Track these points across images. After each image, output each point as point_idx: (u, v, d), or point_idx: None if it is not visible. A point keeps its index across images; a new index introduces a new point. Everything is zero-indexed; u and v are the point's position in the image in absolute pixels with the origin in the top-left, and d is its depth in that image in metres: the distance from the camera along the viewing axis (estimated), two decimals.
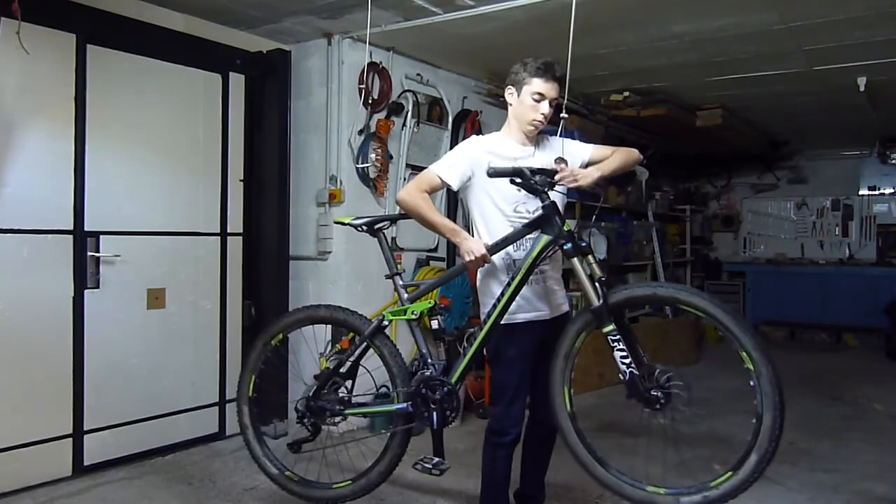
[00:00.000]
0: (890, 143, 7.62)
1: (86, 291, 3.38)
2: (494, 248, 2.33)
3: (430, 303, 2.43)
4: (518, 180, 2.23)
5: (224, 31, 4.03)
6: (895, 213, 8.23)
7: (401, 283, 2.55)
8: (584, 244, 2.21)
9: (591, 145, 2.61)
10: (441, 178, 2.42)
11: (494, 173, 2.26)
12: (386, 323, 2.53)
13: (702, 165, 8.83)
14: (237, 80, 4.06)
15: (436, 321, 2.44)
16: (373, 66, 4.16)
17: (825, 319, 7.99)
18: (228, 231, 4.03)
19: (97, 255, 3.41)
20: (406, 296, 2.52)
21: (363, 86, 4.11)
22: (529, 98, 2.38)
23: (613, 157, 2.51)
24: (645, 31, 3.99)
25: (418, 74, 4.60)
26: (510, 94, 2.47)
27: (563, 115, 3.08)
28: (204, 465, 3.59)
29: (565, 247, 2.22)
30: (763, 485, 3.36)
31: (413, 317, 2.43)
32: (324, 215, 4.22)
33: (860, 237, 8.46)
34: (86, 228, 3.37)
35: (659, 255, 7.34)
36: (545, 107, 2.37)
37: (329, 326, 4.19)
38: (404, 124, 4.49)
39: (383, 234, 2.67)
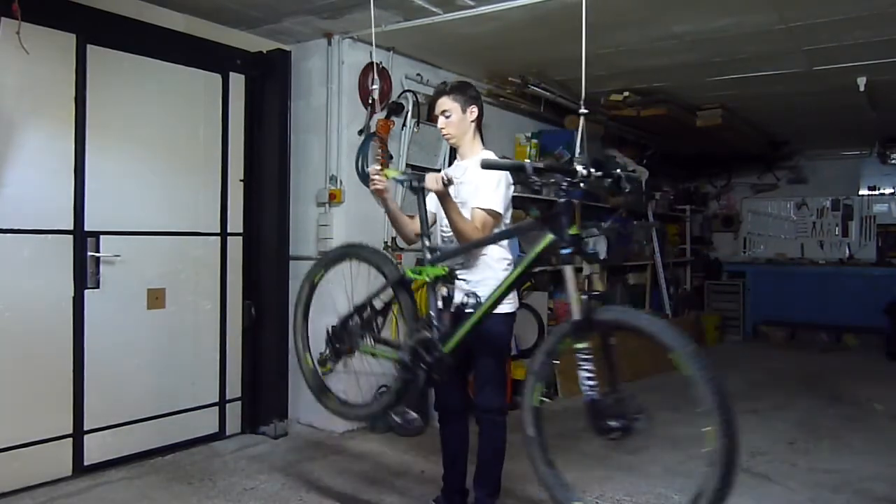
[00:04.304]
0: (890, 143, 7.61)
1: (86, 291, 3.38)
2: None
3: (444, 270, 2.45)
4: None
5: (224, 31, 4.02)
6: (895, 213, 8.23)
7: (427, 244, 2.56)
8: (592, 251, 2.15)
9: (482, 199, 2.59)
10: None
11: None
12: (409, 278, 2.52)
13: (702, 165, 8.82)
14: (237, 80, 4.06)
15: (446, 289, 2.47)
16: (373, 66, 4.16)
17: (825, 319, 7.99)
18: (228, 231, 4.03)
19: (97, 255, 3.41)
20: (429, 257, 2.52)
21: (374, 87, 4.11)
22: None
23: (461, 216, 2.56)
24: (645, 31, 3.99)
25: (418, 74, 4.59)
26: None
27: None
28: (204, 465, 3.58)
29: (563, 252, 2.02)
30: (763, 484, 3.37)
31: (427, 279, 2.46)
32: (324, 215, 4.22)
33: (860, 237, 8.44)
34: (86, 228, 3.37)
35: (659, 255, 7.34)
36: (441, 121, 2.72)
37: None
38: (404, 124, 4.48)
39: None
